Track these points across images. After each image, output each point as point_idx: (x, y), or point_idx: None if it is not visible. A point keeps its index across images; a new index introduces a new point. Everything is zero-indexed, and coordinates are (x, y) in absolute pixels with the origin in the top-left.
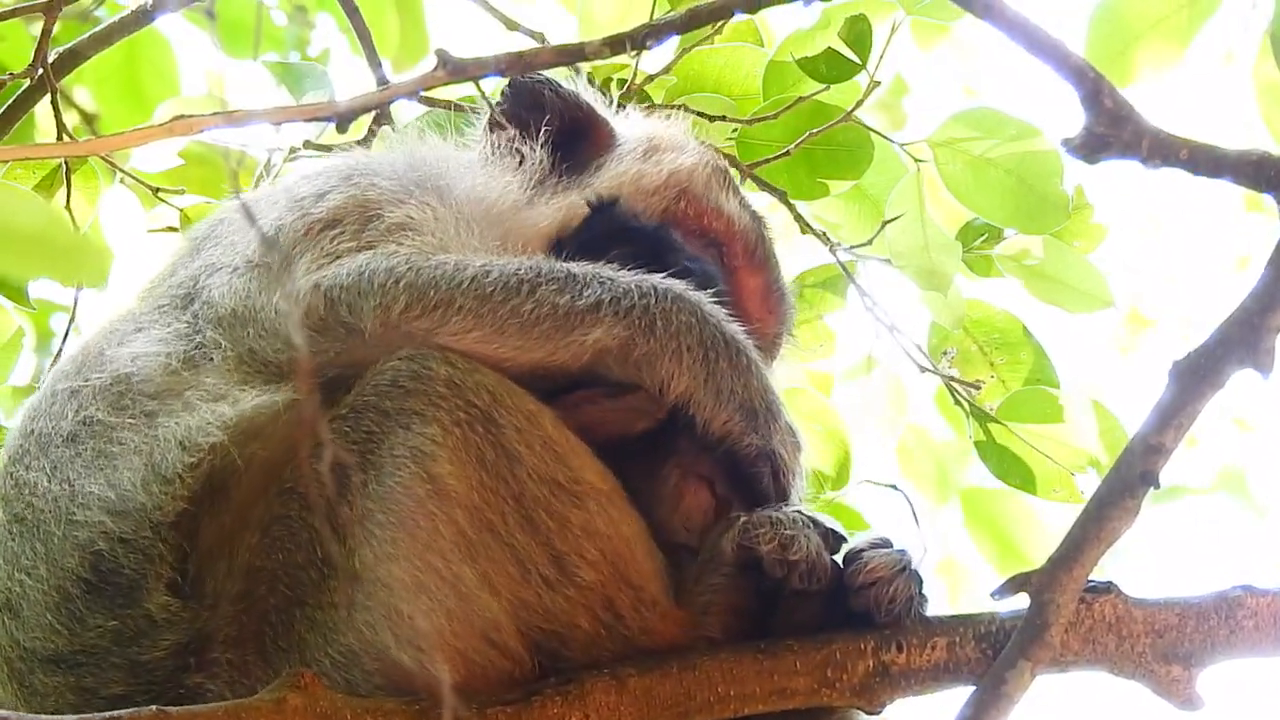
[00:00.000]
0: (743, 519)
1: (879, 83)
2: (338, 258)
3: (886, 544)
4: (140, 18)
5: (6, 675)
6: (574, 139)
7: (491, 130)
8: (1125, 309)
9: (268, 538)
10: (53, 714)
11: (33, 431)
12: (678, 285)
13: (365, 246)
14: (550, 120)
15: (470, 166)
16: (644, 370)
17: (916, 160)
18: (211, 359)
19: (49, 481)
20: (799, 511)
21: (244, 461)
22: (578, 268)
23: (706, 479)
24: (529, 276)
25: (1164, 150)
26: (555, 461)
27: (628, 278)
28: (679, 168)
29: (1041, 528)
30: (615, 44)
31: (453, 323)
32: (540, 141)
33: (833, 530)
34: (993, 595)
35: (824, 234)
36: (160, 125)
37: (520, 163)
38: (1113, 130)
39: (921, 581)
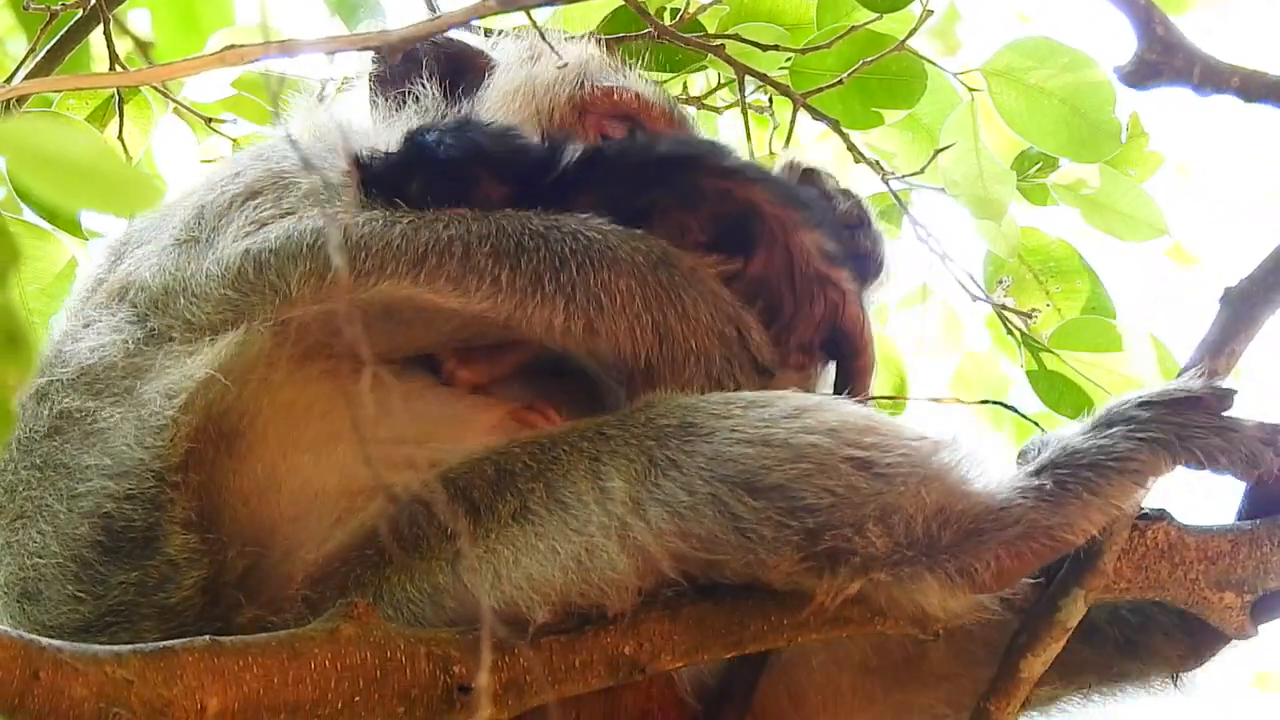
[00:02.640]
0: None
1: (931, 11)
2: (263, 225)
3: None
4: None
5: None
6: (458, 77)
7: (380, 92)
8: (1167, 243)
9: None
10: None
11: (15, 436)
12: (612, 238)
13: (288, 212)
14: (429, 66)
15: (370, 125)
16: (600, 347)
17: (970, 89)
18: (171, 338)
19: (41, 473)
20: None
21: (244, 391)
22: (508, 223)
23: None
24: (459, 234)
25: (1215, 77)
26: None
27: (559, 236)
28: (568, 60)
29: None
30: None
31: (384, 287)
32: (427, 87)
33: None
34: None
35: (877, 163)
36: (212, 55)
37: (416, 104)
38: (1164, 58)
39: None
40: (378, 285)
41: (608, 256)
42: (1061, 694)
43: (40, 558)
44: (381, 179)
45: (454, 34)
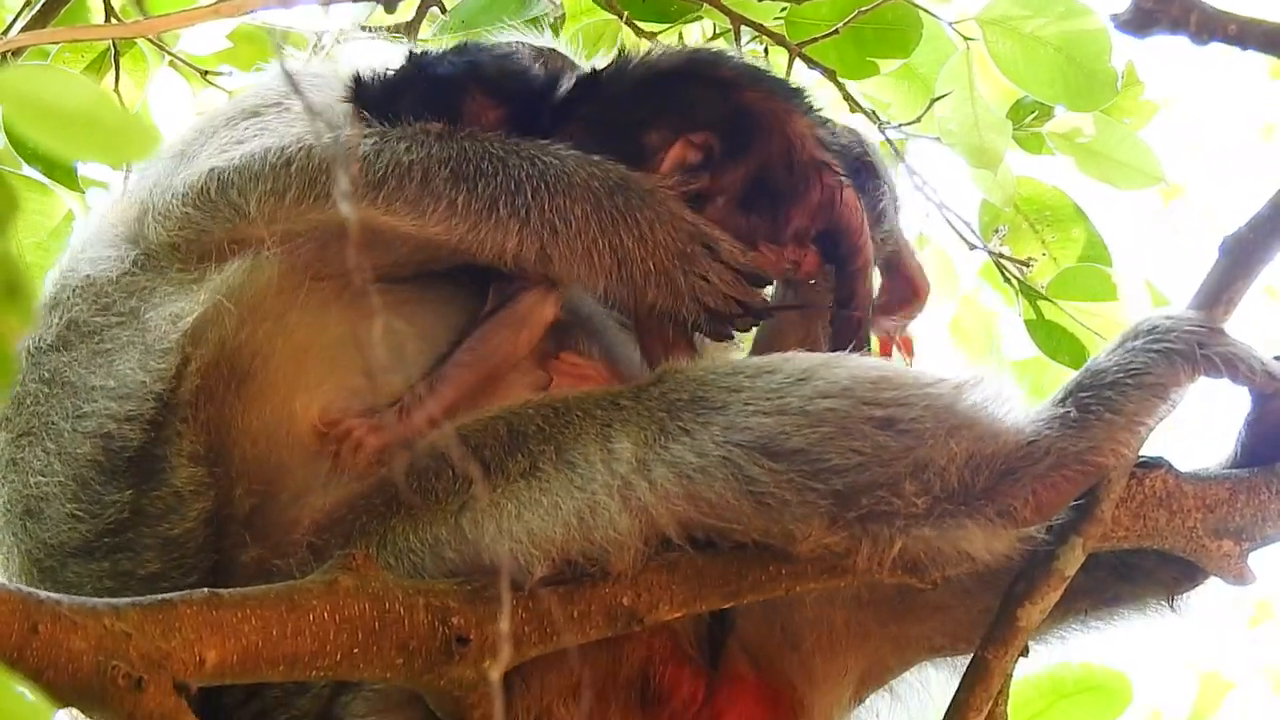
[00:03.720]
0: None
1: None
2: (239, 143)
3: None
4: None
5: (38, 576)
6: None
7: None
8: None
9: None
10: None
11: (22, 352)
12: (569, 163)
13: (266, 133)
14: None
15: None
16: (558, 272)
17: (966, 39)
18: (164, 265)
19: (49, 388)
20: None
21: (257, 329)
22: (470, 145)
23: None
24: (420, 157)
25: (1212, 25)
26: None
27: (517, 161)
28: None
29: None
30: None
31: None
32: None
33: None
34: None
35: (873, 112)
36: (209, 6)
37: None
38: (1161, 6)
39: None
40: (334, 205)
41: (563, 181)
42: (1059, 621)
43: (43, 476)
44: (376, 96)
45: None
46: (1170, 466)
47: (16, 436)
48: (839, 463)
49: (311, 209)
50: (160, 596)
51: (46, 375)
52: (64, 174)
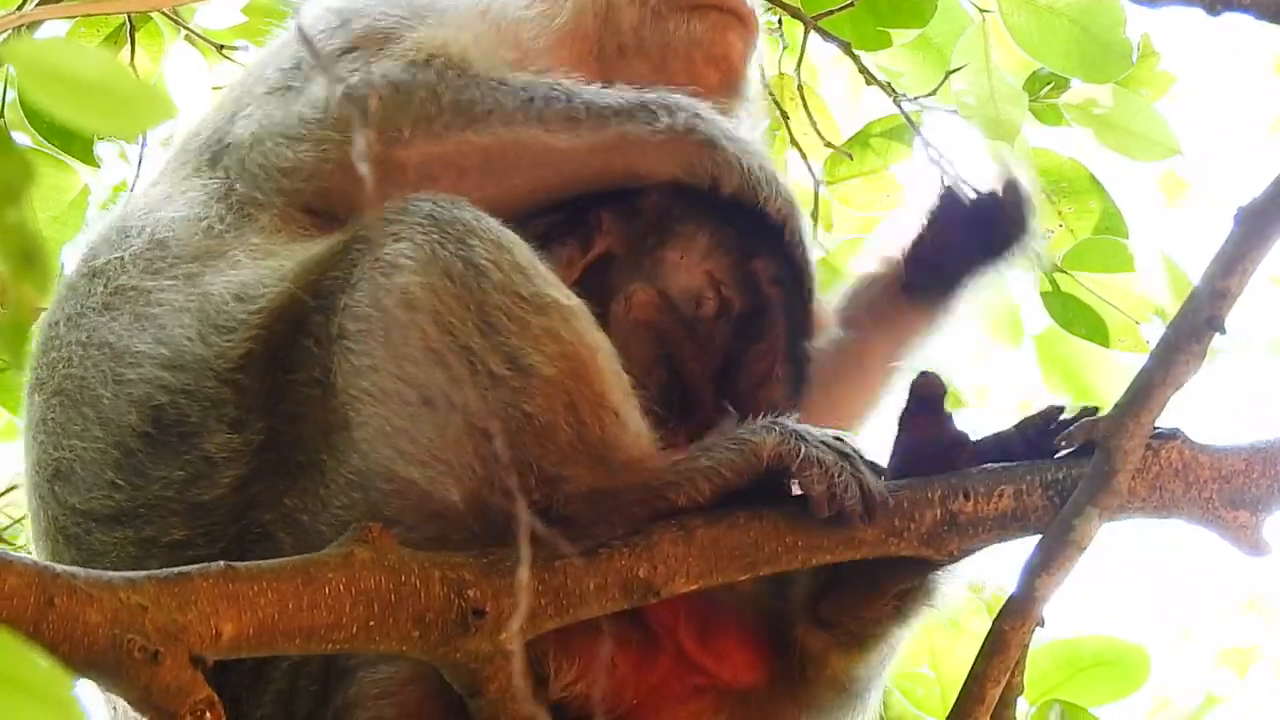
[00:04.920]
0: (794, 440)
1: None
2: (363, 69)
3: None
4: None
5: (63, 542)
6: None
7: None
8: (1160, 171)
9: (288, 362)
10: (113, 568)
11: (58, 319)
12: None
13: (384, 57)
14: None
15: None
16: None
17: (982, 10)
18: (253, 217)
19: (84, 350)
20: (843, 448)
21: (320, 285)
22: (608, 93)
23: (715, 278)
24: (569, 96)
25: None
26: (523, 279)
27: (654, 99)
28: None
29: (1116, 371)
30: None
31: (497, 128)
32: None
33: (870, 464)
34: (1059, 442)
35: (889, 85)
36: None
37: None
38: None
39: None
40: (490, 126)
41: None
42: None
43: (79, 440)
44: None
45: None
46: (1186, 437)
47: (49, 397)
48: None
49: (467, 126)
50: (176, 570)
51: (83, 337)
52: (80, 149)
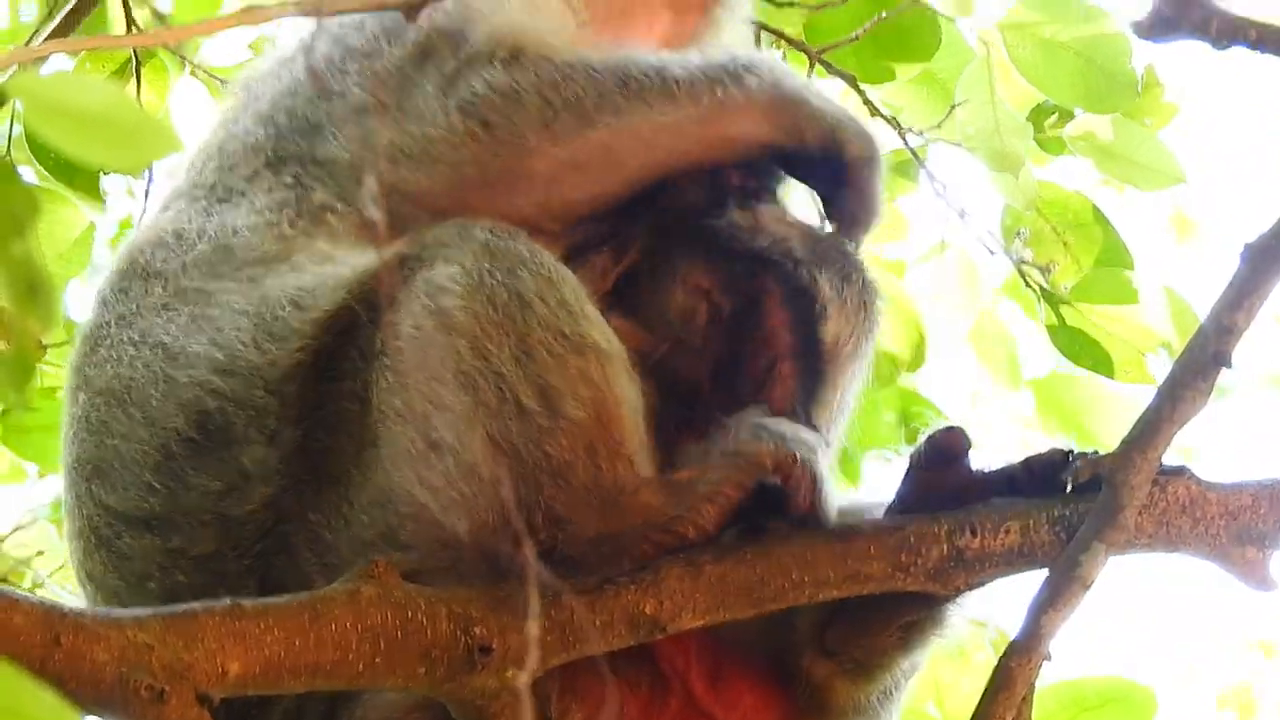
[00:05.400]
0: (787, 445)
1: None
2: (456, 78)
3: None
4: None
5: (94, 543)
6: None
7: None
8: (1170, 209)
9: (334, 373)
10: (140, 577)
11: (108, 319)
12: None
13: (471, 61)
14: None
15: None
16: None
17: (985, 44)
18: (326, 222)
19: (136, 350)
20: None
21: (369, 301)
22: (689, 60)
23: (704, 288)
24: (658, 70)
25: (1232, 31)
26: (566, 316)
27: (729, 61)
28: None
29: (1114, 414)
30: None
31: (608, 120)
32: None
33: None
34: (1065, 478)
35: (893, 119)
36: (231, 15)
37: None
38: (1181, 11)
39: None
40: (602, 117)
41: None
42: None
43: (122, 440)
44: None
45: None
46: (1193, 474)
47: (94, 395)
48: None
49: (586, 123)
50: (182, 607)
51: (136, 336)
52: (85, 184)
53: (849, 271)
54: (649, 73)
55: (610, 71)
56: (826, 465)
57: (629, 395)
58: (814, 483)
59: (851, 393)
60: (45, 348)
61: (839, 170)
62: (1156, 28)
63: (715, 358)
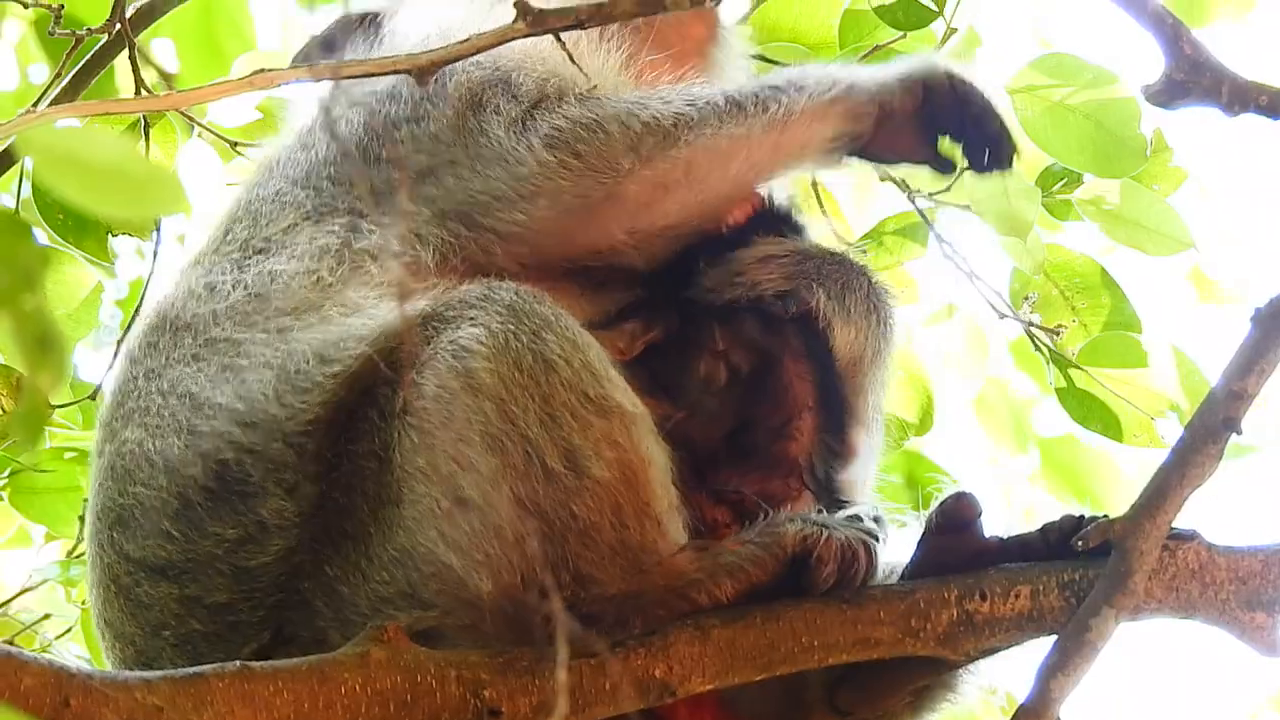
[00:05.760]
0: (813, 524)
1: (955, 29)
2: (526, 118)
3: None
4: None
5: (114, 591)
6: None
7: None
8: (1187, 268)
9: (351, 431)
10: (155, 626)
11: (135, 375)
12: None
13: (541, 102)
14: None
15: None
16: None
17: None
18: (364, 270)
19: (164, 399)
20: (861, 526)
21: (390, 359)
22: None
23: (721, 350)
24: (722, 92)
25: (1243, 96)
26: (590, 379)
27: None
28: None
29: (1119, 477)
30: None
31: (693, 138)
32: None
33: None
34: (1075, 543)
35: (903, 181)
36: (240, 79)
37: None
38: (1192, 77)
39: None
40: (681, 135)
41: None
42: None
43: (144, 488)
44: None
45: None
46: (1203, 538)
47: (120, 444)
48: None
49: (669, 142)
50: (192, 670)
51: (165, 386)
52: (94, 244)
53: (848, 280)
54: (712, 94)
55: (677, 96)
56: (878, 541)
57: (655, 456)
58: (848, 559)
59: (879, 400)
60: (53, 408)
61: (945, 116)
62: (1167, 94)
63: (732, 419)
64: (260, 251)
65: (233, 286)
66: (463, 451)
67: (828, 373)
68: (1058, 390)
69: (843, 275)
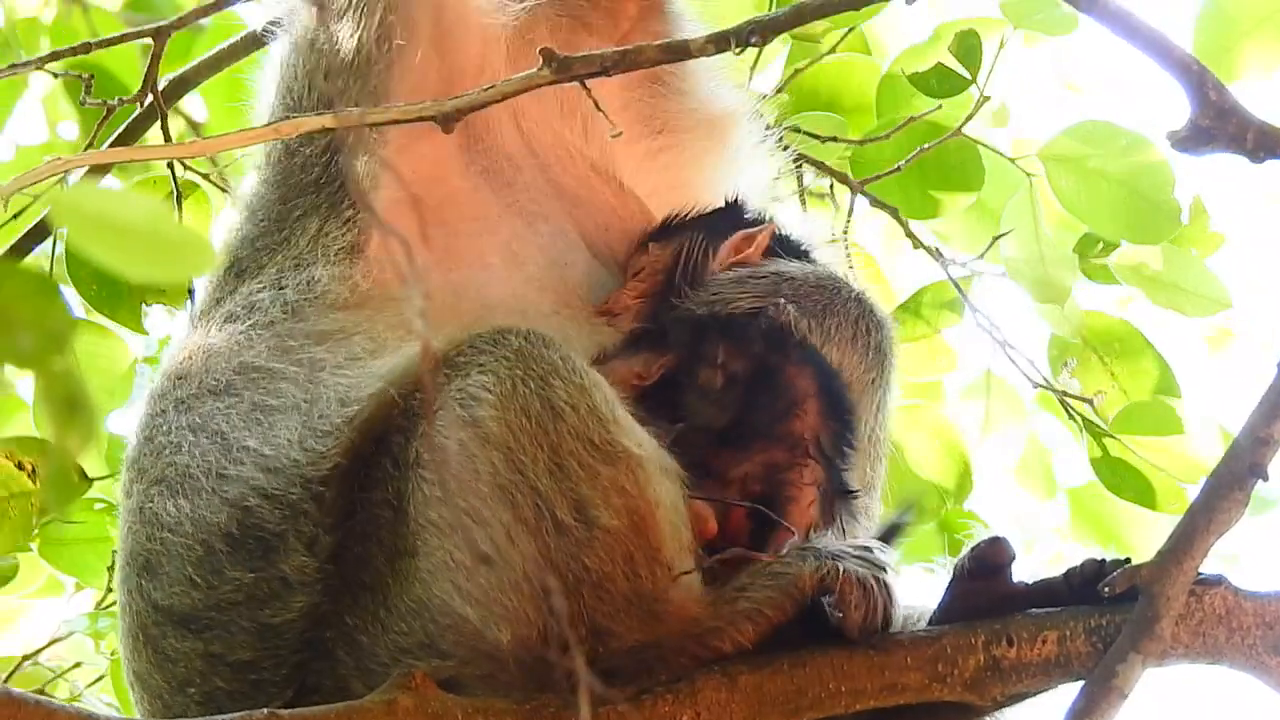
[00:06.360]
0: (829, 559)
1: (989, 98)
2: None
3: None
4: (251, 43)
5: (142, 641)
6: None
7: None
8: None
9: (366, 480)
10: (181, 682)
11: (164, 407)
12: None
13: None
14: None
15: None
16: None
17: (1028, 175)
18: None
19: (195, 435)
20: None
21: (405, 406)
22: None
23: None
24: None
25: (1269, 143)
26: (596, 424)
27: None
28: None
29: (1150, 526)
30: (720, 41)
31: None
32: None
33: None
34: (1102, 588)
35: (936, 250)
36: (265, 126)
37: None
38: (1218, 123)
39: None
40: None
41: None
42: None
43: (171, 533)
44: None
45: None
46: (1229, 583)
47: (149, 485)
48: None
49: None
50: (221, 718)
51: (196, 422)
52: (128, 315)
53: (831, 303)
54: None
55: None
56: (893, 578)
57: (664, 497)
58: (871, 600)
59: (878, 428)
60: (90, 481)
61: None
62: (1193, 140)
63: (733, 412)
64: (298, 266)
65: (272, 302)
66: (475, 505)
67: (832, 378)
68: (1092, 460)
69: (825, 298)
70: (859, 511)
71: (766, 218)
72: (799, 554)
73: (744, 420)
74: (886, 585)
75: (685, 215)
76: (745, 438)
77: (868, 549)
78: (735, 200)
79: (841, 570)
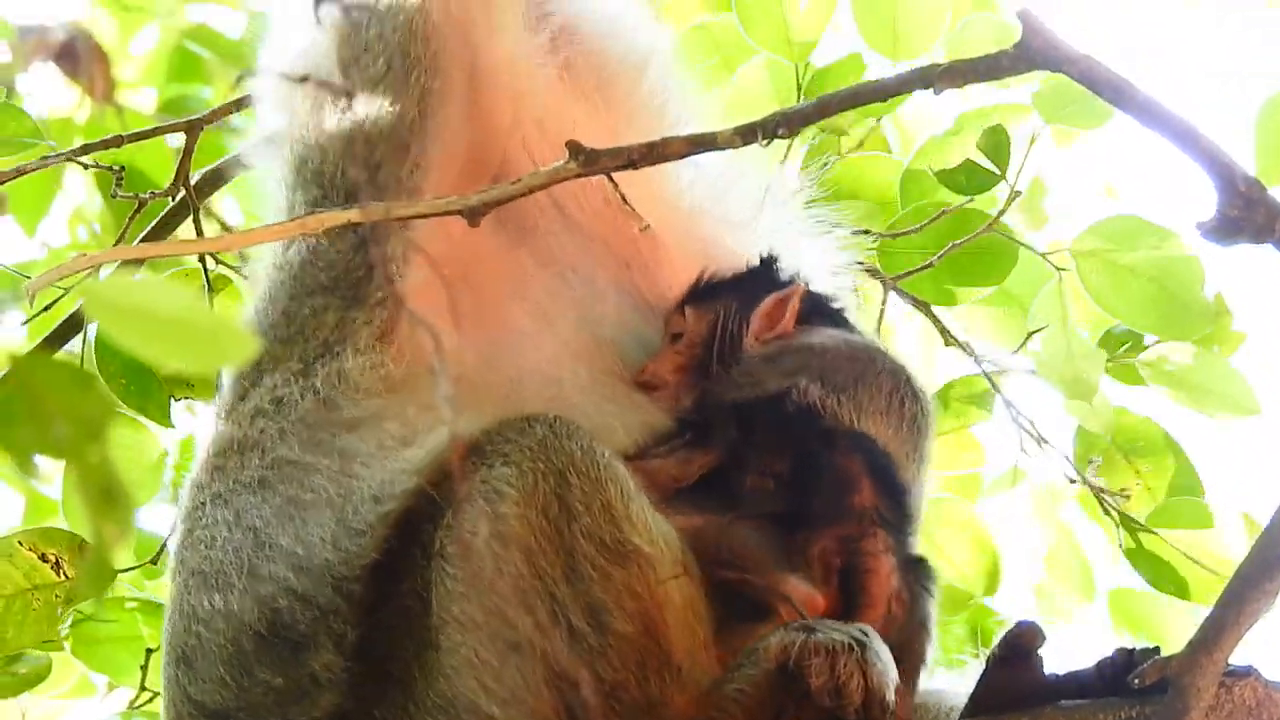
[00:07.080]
0: (798, 632)
1: (1019, 193)
2: None
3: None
4: None
5: None
6: None
7: None
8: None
9: (396, 571)
10: None
11: (203, 500)
12: None
13: None
14: None
15: None
16: None
17: (1058, 269)
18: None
19: (230, 531)
20: (858, 636)
21: (434, 495)
22: None
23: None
24: None
25: None
26: (609, 525)
27: None
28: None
29: (1189, 627)
30: (747, 133)
31: None
32: None
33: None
34: (1132, 679)
35: (966, 344)
36: (293, 221)
37: None
38: (1246, 213)
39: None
40: None
41: None
42: None
43: (205, 628)
44: None
45: None
46: (1259, 675)
47: (189, 575)
48: None
49: None
50: None
51: (231, 516)
52: (156, 410)
53: (863, 375)
54: None
55: None
56: (879, 648)
57: (675, 597)
58: (841, 667)
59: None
60: (118, 572)
61: None
62: (1221, 230)
63: (791, 499)
64: (322, 356)
65: (301, 395)
66: (494, 604)
67: (876, 453)
68: (1127, 553)
69: (856, 370)
70: (928, 578)
71: (798, 278)
72: (772, 632)
73: (803, 505)
74: (866, 654)
75: (718, 277)
76: (810, 520)
77: (861, 629)
78: (768, 257)
79: (809, 640)
